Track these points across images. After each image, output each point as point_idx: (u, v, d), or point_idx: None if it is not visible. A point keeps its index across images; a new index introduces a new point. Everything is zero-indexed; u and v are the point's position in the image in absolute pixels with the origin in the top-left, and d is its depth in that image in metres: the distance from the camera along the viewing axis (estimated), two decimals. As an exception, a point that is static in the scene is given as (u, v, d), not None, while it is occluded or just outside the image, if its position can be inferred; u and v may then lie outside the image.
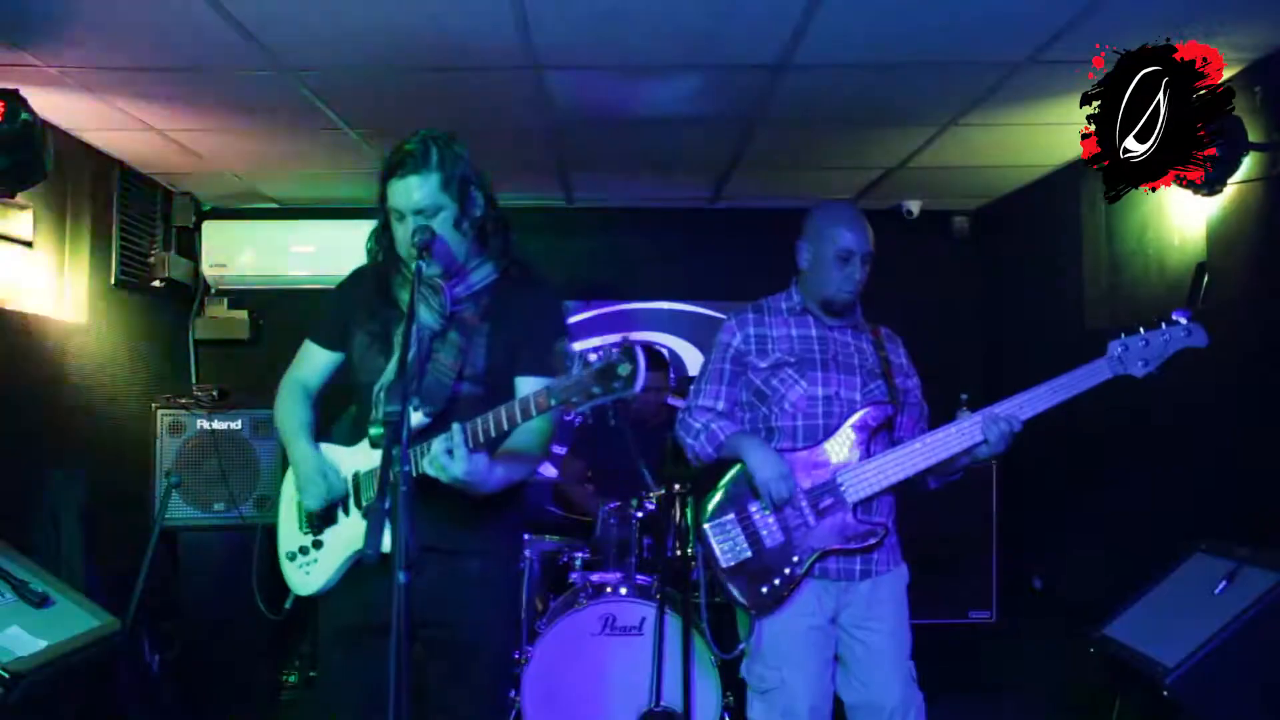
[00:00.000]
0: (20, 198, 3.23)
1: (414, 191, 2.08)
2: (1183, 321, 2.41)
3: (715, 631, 2.87)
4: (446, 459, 1.94)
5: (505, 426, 1.95)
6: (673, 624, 3.15)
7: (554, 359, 1.97)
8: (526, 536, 3.93)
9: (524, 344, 2.16)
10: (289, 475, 2.32)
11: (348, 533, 2.20)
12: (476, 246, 2.19)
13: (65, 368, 3.70)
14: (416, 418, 2.07)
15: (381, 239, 2.22)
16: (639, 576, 3.49)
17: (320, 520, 2.24)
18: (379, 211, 2.19)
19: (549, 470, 5.09)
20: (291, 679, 4.23)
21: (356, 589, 2.18)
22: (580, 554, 3.72)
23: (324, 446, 2.28)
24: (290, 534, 2.31)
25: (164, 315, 4.58)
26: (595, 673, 3.27)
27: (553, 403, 1.87)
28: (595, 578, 3.52)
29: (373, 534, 1.69)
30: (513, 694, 3.43)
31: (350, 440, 2.26)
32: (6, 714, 2.36)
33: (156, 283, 4.42)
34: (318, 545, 2.25)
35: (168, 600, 3.95)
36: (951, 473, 2.57)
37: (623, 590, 3.40)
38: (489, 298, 2.21)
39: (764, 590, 2.47)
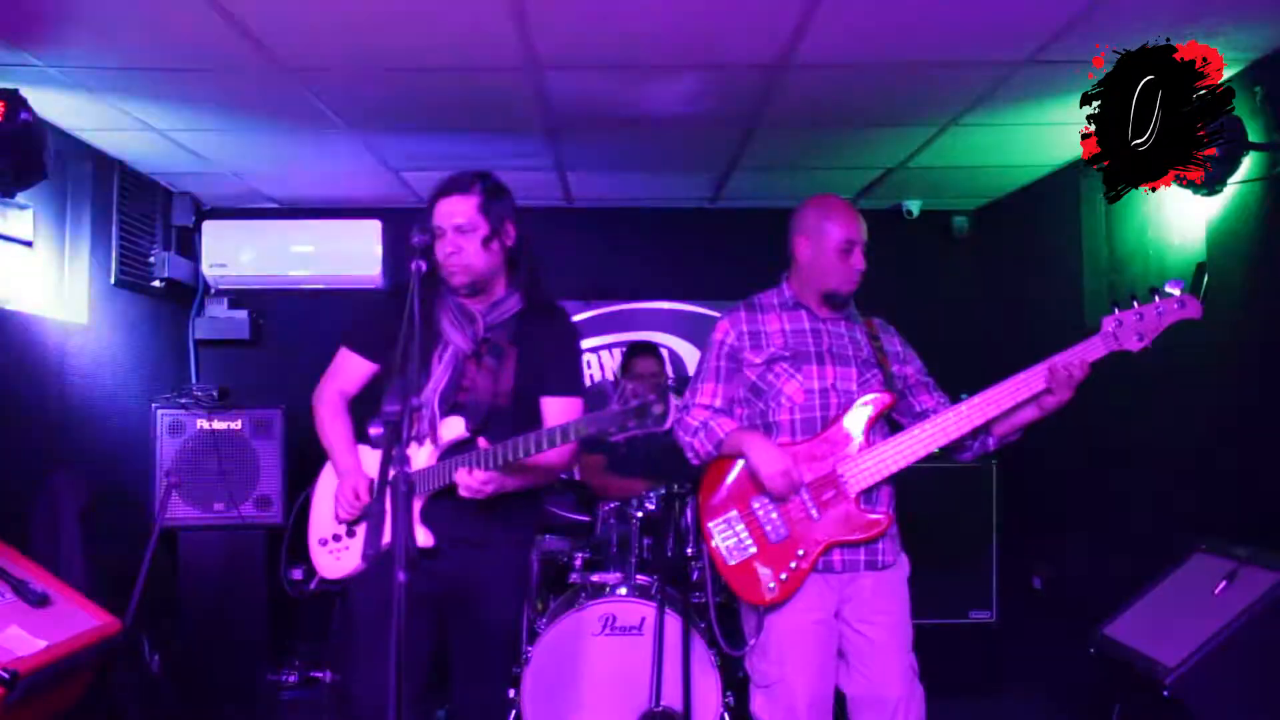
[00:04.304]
0: (20, 198, 3.23)
1: (451, 209, 2.37)
2: (1175, 293, 2.38)
3: (722, 629, 2.86)
4: (481, 486, 2.28)
5: (545, 446, 2.22)
6: (673, 624, 3.15)
7: (575, 382, 2.43)
8: (526, 536, 4.00)
9: (550, 368, 2.46)
10: (329, 468, 2.59)
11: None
12: (507, 278, 2.47)
13: (65, 368, 3.69)
14: (460, 429, 2.38)
15: (430, 260, 2.39)
16: (639, 576, 3.49)
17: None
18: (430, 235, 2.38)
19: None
20: (291, 679, 4.23)
21: (382, 580, 2.37)
22: (580, 554, 3.72)
23: (362, 449, 2.53)
24: (325, 522, 2.56)
25: (164, 315, 4.58)
26: (595, 673, 3.27)
27: (593, 431, 2.15)
28: (595, 578, 3.52)
29: (372, 535, 1.73)
30: (512, 694, 3.43)
31: None
32: (7, 714, 2.36)
33: (156, 283, 4.41)
34: (351, 534, 2.51)
35: (168, 600, 3.95)
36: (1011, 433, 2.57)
37: (623, 590, 3.39)
38: (516, 326, 2.46)
39: (770, 585, 2.47)
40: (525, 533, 2.62)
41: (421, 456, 2.41)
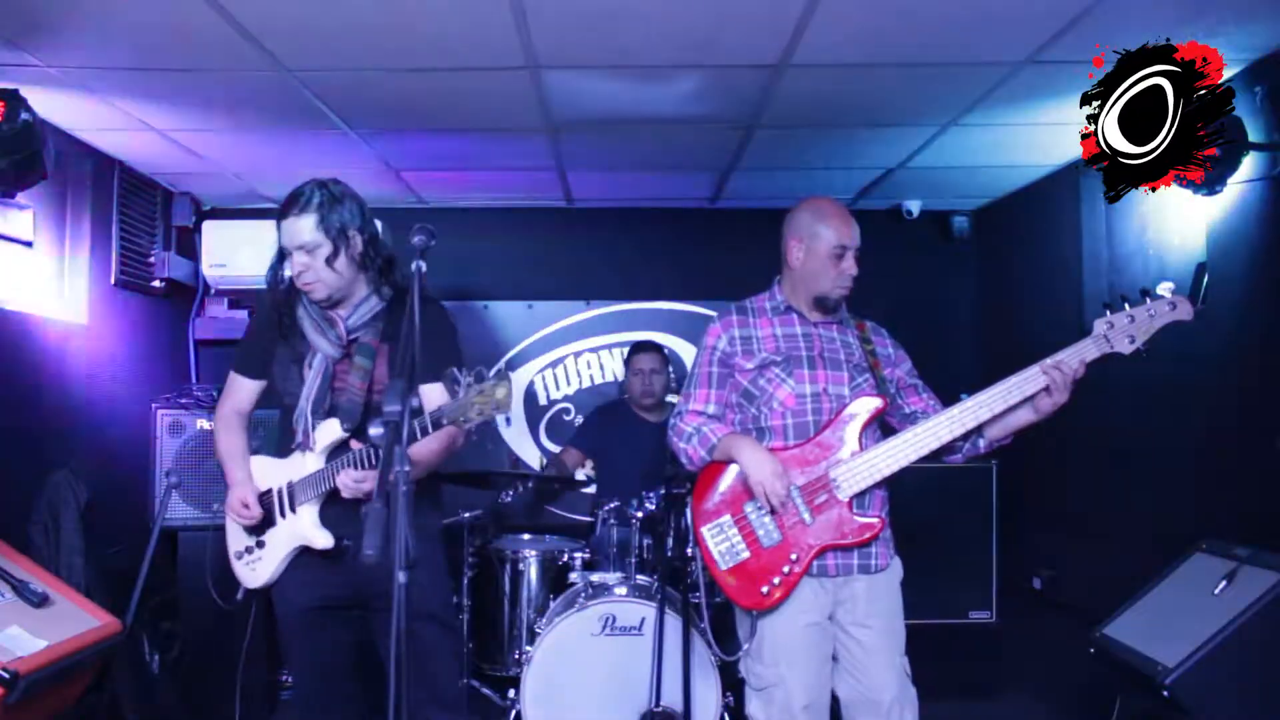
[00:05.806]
0: (20, 198, 3.23)
1: (292, 231, 2.43)
2: (1167, 295, 2.37)
3: (716, 633, 2.87)
4: (357, 485, 2.37)
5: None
6: (673, 624, 3.15)
7: (448, 365, 2.27)
8: (527, 536, 4.15)
9: (423, 358, 2.36)
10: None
11: (285, 532, 2.55)
12: (364, 281, 2.53)
13: (65, 368, 3.70)
14: (336, 431, 2.44)
15: (279, 271, 2.54)
16: (639, 576, 3.49)
17: (261, 524, 2.59)
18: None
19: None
20: (291, 679, 4.23)
21: (304, 575, 2.55)
22: (580, 554, 3.72)
23: (257, 459, 2.64)
24: (237, 536, 2.67)
25: (164, 315, 4.58)
26: (595, 673, 3.27)
27: (445, 422, 2.17)
28: (595, 578, 3.53)
29: (371, 533, 1.74)
30: (512, 693, 3.43)
31: (281, 453, 2.60)
32: (7, 714, 2.36)
33: (156, 283, 4.42)
34: (260, 545, 2.60)
35: (168, 600, 3.95)
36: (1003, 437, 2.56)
37: (623, 590, 3.40)
38: (383, 322, 2.53)
39: (764, 590, 2.47)
40: (427, 520, 2.58)
41: (309, 462, 2.50)
